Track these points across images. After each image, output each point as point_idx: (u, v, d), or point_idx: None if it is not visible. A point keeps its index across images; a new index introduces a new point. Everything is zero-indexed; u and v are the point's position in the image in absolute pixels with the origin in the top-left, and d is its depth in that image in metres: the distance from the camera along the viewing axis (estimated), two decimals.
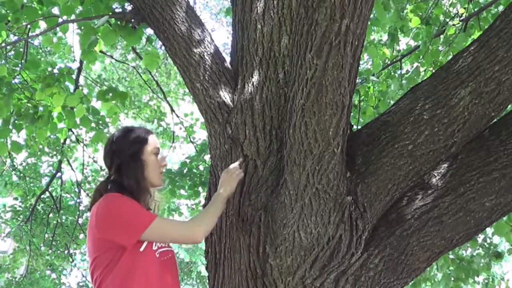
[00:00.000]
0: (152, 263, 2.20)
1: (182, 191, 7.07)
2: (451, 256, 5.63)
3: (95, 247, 2.22)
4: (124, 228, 2.17)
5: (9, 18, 3.90)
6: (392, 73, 5.65)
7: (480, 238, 5.85)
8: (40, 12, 3.96)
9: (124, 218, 2.19)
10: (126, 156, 2.32)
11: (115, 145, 2.39)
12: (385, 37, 6.67)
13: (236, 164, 2.59)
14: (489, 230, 5.73)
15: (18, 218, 8.79)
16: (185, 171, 6.71)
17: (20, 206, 8.94)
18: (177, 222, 2.35)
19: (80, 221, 8.33)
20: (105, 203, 2.22)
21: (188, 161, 6.87)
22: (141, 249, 2.19)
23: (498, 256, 5.68)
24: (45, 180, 9.02)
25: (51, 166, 8.89)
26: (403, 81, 5.15)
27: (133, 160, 2.32)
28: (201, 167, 6.88)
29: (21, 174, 8.78)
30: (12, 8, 3.85)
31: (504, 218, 4.75)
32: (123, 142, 2.37)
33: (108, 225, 2.18)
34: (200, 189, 6.86)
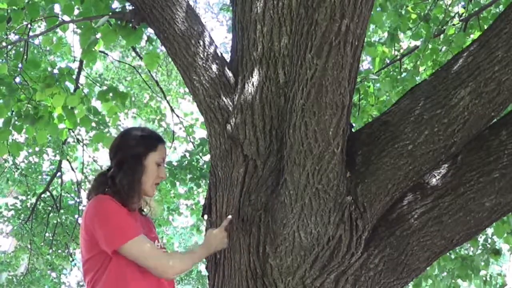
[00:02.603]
0: (141, 267, 2.17)
1: (181, 191, 7.06)
2: (452, 256, 5.64)
3: (86, 249, 2.21)
4: (107, 234, 2.13)
5: (11, 15, 3.89)
6: (392, 73, 5.65)
7: (481, 238, 5.86)
8: (41, 4, 3.94)
9: (110, 224, 2.15)
10: (129, 154, 2.29)
11: (124, 139, 2.37)
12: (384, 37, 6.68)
13: (228, 221, 2.53)
14: (489, 230, 5.74)
15: (19, 218, 8.81)
16: (185, 163, 6.72)
17: (20, 205, 8.96)
18: (157, 250, 2.22)
19: (80, 220, 8.33)
20: (95, 205, 2.19)
21: (187, 154, 6.88)
22: None
23: (496, 252, 5.69)
24: (45, 179, 9.04)
25: (53, 164, 8.90)
26: (398, 82, 5.16)
27: (134, 161, 2.28)
28: (200, 162, 6.89)
29: (23, 172, 8.81)
30: (13, 4, 3.85)
31: (504, 219, 4.75)
32: (132, 140, 2.34)
33: (95, 227, 2.14)
34: (201, 182, 6.87)
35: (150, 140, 2.35)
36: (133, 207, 2.29)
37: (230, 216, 2.55)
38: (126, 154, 2.29)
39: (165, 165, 2.43)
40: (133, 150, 2.30)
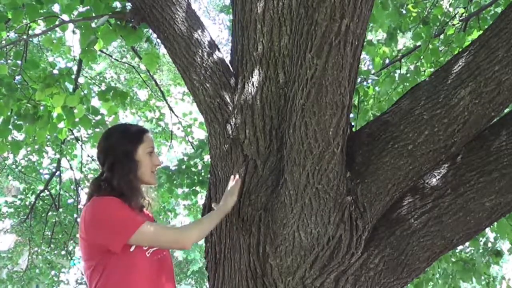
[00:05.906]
0: (144, 264, 2.16)
1: (179, 191, 6.99)
2: (453, 259, 5.63)
3: (87, 252, 2.19)
4: (111, 232, 2.12)
5: (10, 16, 3.88)
6: (392, 74, 5.64)
7: (481, 241, 5.84)
8: (40, 11, 3.94)
9: (111, 222, 2.14)
10: (119, 154, 2.26)
11: (110, 142, 2.32)
12: (381, 35, 6.68)
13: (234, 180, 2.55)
14: (490, 233, 5.73)
15: (18, 215, 8.83)
16: (183, 167, 6.65)
17: (20, 204, 8.98)
18: (166, 227, 2.24)
19: (79, 219, 8.34)
20: (93, 207, 2.17)
21: (185, 158, 6.82)
22: (131, 250, 2.14)
23: (497, 254, 5.68)
24: (45, 177, 9.05)
25: (53, 163, 8.91)
26: (398, 82, 5.16)
27: (127, 159, 2.26)
28: (199, 166, 6.84)
29: (22, 170, 8.82)
30: (13, 6, 3.84)
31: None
32: (118, 140, 2.31)
33: (96, 229, 2.13)
34: (198, 188, 6.82)
35: (134, 134, 2.33)
36: (138, 204, 2.27)
37: (237, 177, 2.55)
38: (116, 155, 2.27)
39: (161, 168, 2.45)
40: (122, 149, 2.28)
